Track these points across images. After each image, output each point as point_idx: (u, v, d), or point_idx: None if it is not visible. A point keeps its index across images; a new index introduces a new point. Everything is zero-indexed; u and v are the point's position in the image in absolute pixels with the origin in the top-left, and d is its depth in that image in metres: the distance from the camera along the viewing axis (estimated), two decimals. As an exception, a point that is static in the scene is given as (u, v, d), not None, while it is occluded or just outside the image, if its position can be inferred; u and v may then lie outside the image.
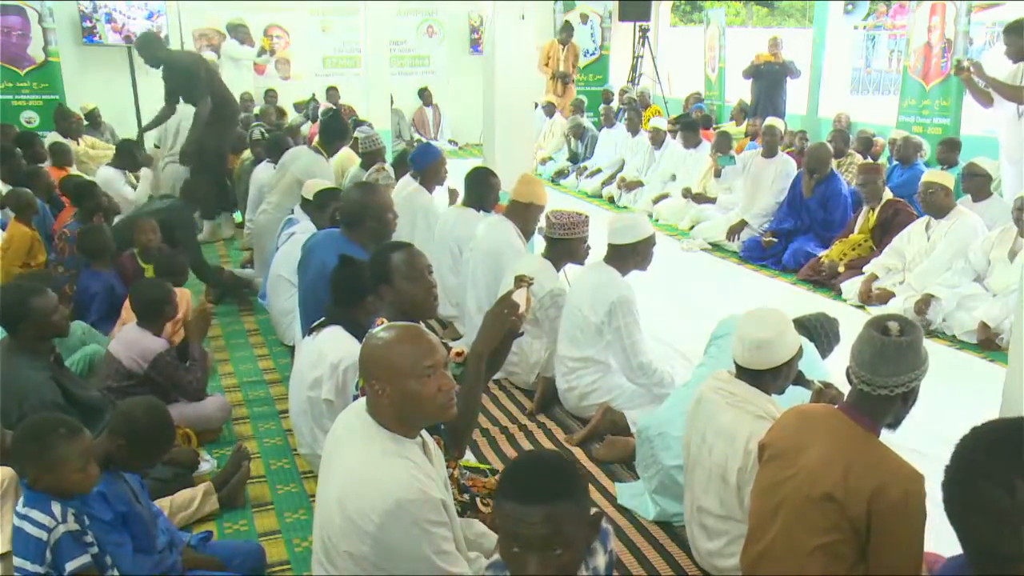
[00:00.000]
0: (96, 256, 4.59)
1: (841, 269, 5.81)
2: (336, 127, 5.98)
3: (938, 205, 5.28)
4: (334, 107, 9.87)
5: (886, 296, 5.31)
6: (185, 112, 6.92)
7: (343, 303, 3.18)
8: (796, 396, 2.67)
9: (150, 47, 6.67)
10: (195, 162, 6.75)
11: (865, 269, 5.59)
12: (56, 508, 2.21)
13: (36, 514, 2.19)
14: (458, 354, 3.73)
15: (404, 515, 1.90)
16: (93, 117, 9.59)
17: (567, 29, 12.06)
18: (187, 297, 4.39)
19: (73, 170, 7.03)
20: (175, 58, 6.85)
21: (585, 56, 13.57)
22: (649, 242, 3.82)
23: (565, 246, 4.08)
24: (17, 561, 2.20)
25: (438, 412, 2.05)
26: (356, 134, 6.55)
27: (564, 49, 11.86)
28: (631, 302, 3.74)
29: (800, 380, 2.70)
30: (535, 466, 1.64)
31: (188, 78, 6.57)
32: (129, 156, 7.05)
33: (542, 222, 4.40)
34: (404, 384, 1.98)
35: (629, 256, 3.80)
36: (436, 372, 2.01)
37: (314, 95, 11.45)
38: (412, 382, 1.98)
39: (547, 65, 11.93)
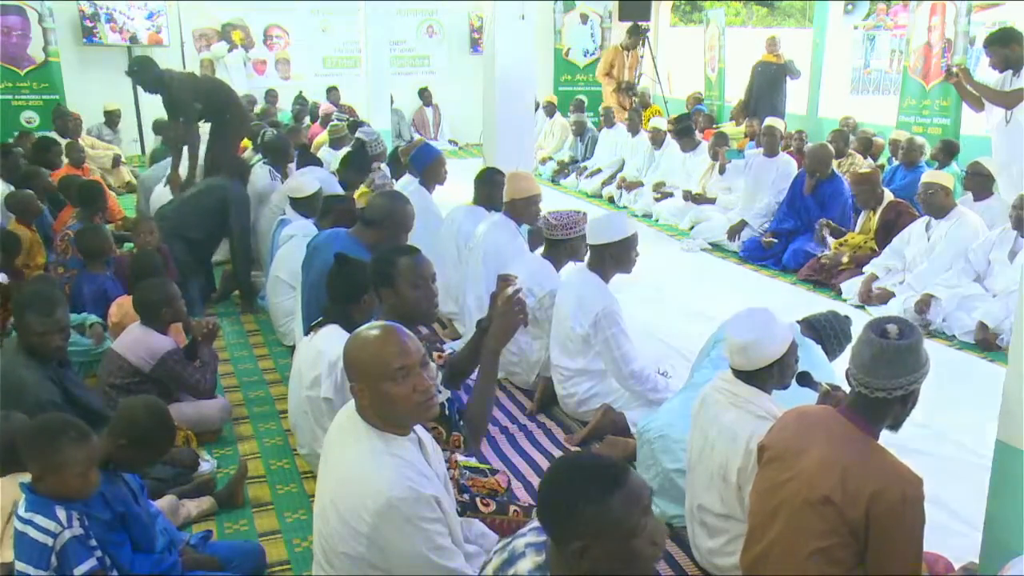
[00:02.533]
0: (94, 256, 4.58)
1: (845, 259, 5.79)
2: (360, 163, 5.94)
3: (938, 205, 5.28)
4: (335, 107, 9.86)
5: (886, 296, 5.31)
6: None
7: (340, 301, 3.19)
8: (803, 398, 2.67)
9: (145, 72, 6.32)
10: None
11: (865, 269, 5.59)
12: (61, 513, 2.20)
13: (41, 519, 2.18)
14: (439, 357, 3.69)
15: (396, 514, 1.90)
16: (112, 118, 9.61)
17: (635, 33, 10.96)
18: None
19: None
20: (171, 83, 6.38)
21: (585, 56, 13.59)
22: (627, 244, 3.72)
23: (566, 245, 4.09)
24: (20, 566, 2.19)
25: (416, 412, 2.03)
26: (358, 134, 6.55)
27: (628, 56, 11.03)
28: (615, 313, 3.70)
29: (808, 382, 2.70)
30: (586, 460, 1.71)
31: (184, 106, 6.31)
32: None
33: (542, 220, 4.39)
34: (378, 385, 1.98)
35: (607, 258, 3.74)
36: (410, 373, 1.99)
37: (301, 92, 11.42)
38: (386, 383, 1.97)
39: (609, 75, 11.04)
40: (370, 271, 2.86)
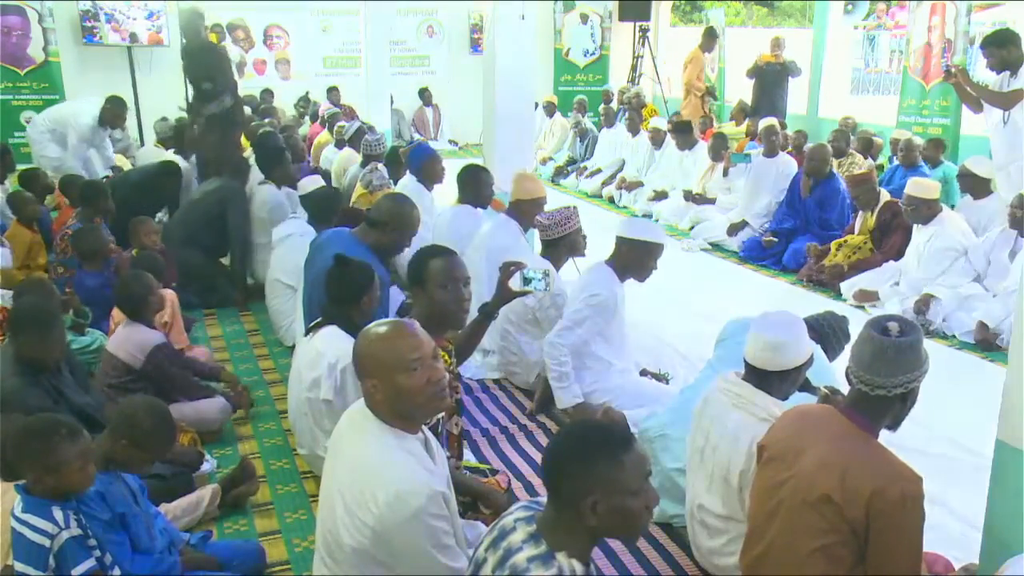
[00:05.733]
0: (90, 256, 4.58)
1: (846, 269, 5.81)
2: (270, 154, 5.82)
3: (922, 217, 5.32)
4: (335, 107, 9.85)
5: (870, 297, 5.38)
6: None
7: (339, 302, 3.19)
8: (801, 401, 2.66)
9: (193, 24, 6.09)
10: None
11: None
12: (58, 514, 2.20)
13: (36, 520, 2.18)
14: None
15: (404, 507, 1.90)
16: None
17: (712, 35, 10.60)
18: (172, 299, 4.35)
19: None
20: (207, 46, 6.22)
21: (585, 56, 13.60)
22: (649, 248, 3.75)
23: (564, 242, 4.12)
24: (19, 566, 2.19)
25: (431, 403, 2.07)
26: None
27: (706, 59, 10.52)
28: (605, 305, 3.74)
29: (806, 386, 2.69)
30: (597, 424, 1.93)
31: (216, 71, 5.99)
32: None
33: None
34: (394, 379, 2.00)
35: (629, 255, 3.76)
36: (423, 364, 2.03)
37: (307, 93, 11.42)
38: (401, 376, 2.00)
39: (698, 78, 10.45)
40: (407, 272, 2.90)
